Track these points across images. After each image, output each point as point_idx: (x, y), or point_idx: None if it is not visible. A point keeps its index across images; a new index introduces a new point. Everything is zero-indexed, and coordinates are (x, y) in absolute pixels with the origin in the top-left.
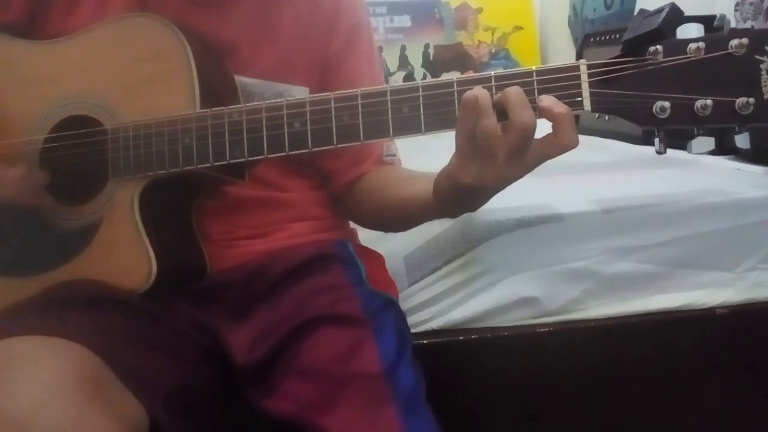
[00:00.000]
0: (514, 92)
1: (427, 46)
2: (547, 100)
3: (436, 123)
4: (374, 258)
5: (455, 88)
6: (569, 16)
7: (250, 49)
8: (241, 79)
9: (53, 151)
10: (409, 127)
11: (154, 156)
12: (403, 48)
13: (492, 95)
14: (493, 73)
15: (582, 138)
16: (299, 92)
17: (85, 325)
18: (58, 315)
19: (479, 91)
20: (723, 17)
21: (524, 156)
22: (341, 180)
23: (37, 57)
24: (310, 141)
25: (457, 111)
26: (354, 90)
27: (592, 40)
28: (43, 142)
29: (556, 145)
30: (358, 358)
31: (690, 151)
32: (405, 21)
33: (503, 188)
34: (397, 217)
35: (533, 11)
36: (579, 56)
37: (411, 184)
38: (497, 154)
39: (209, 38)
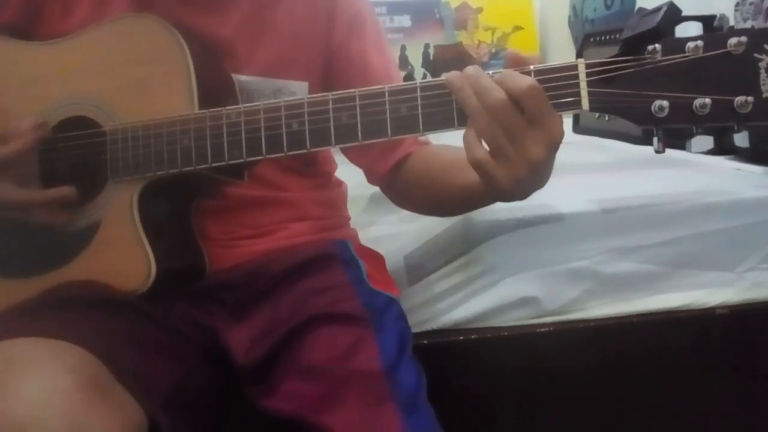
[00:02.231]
0: (507, 75)
1: (427, 46)
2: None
3: (435, 123)
4: (374, 258)
5: None
6: (569, 16)
7: (247, 47)
8: (239, 78)
9: (52, 152)
10: (407, 126)
11: (153, 157)
12: (403, 48)
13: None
14: (491, 72)
15: (582, 138)
16: (299, 87)
17: (84, 327)
18: (57, 317)
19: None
20: (723, 17)
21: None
22: (379, 170)
23: (35, 58)
24: (308, 141)
25: (455, 111)
26: (352, 90)
27: (592, 40)
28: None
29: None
30: (358, 357)
31: (689, 151)
32: (405, 21)
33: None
34: (459, 204)
35: (533, 11)
36: (579, 56)
37: (464, 173)
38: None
39: (206, 38)
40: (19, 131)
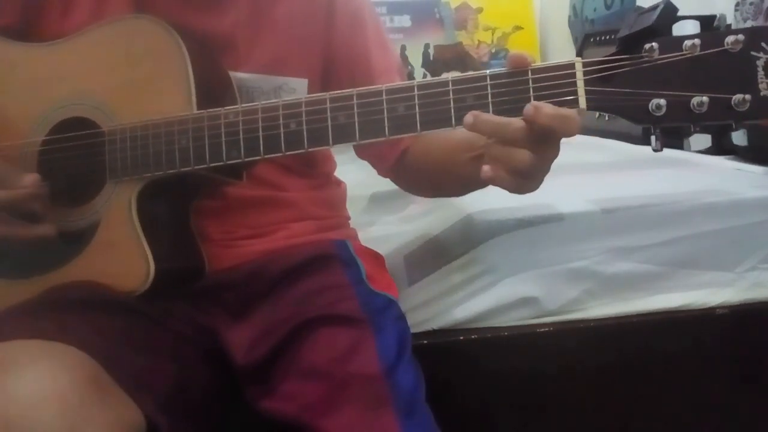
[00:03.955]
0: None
1: (427, 46)
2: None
3: (432, 122)
4: (374, 258)
5: (450, 87)
6: (569, 16)
7: (246, 44)
8: (238, 75)
9: (51, 153)
10: (404, 126)
11: (151, 157)
12: (403, 48)
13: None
14: (488, 72)
15: (582, 138)
16: (298, 84)
17: (81, 329)
18: (56, 318)
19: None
20: (722, 17)
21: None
22: (386, 163)
23: (33, 59)
24: (306, 141)
25: (452, 110)
26: (350, 90)
27: (592, 39)
28: (40, 145)
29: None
30: (357, 359)
31: (688, 149)
32: (405, 21)
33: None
34: (460, 189)
35: (533, 11)
36: (579, 56)
37: (465, 167)
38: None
39: (205, 36)
40: (19, 182)
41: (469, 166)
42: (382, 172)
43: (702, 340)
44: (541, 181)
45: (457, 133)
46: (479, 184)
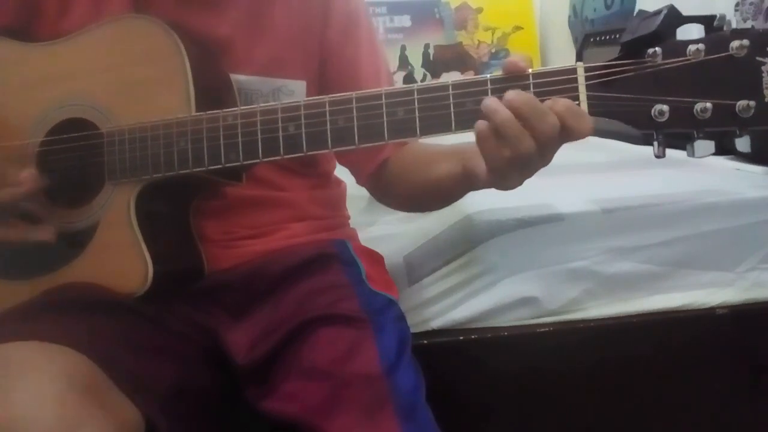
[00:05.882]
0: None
1: (427, 46)
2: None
3: (432, 126)
4: (374, 258)
5: (450, 91)
6: (569, 16)
7: (244, 45)
8: (237, 77)
9: (50, 154)
10: (404, 130)
11: (150, 159)
12: (403, 48)
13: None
14: (489, 76)
15: None
16: (297, 86)
17: (80, 330)
18: (53, 320)
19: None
20: (723, 17)
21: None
22: (365, 171)
23: (32, 59)
24: (304, 144)
25: (452, 114)
26: (349, 93)
27: (592, 40)
28: (39, 145)
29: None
30: (358, 359)
31: (692, 155)
32: (405, 21)
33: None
34: (435, 198)
35: (533, 11)
36: (579, 56)
37: (442, 166)
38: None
39: (204, 37)
40: (17, 179)
41: (448, 177)
42: (360, 180)
43: (702, 340)
44: (519, 182)
45: (439, 145)
46: (456, 195)
